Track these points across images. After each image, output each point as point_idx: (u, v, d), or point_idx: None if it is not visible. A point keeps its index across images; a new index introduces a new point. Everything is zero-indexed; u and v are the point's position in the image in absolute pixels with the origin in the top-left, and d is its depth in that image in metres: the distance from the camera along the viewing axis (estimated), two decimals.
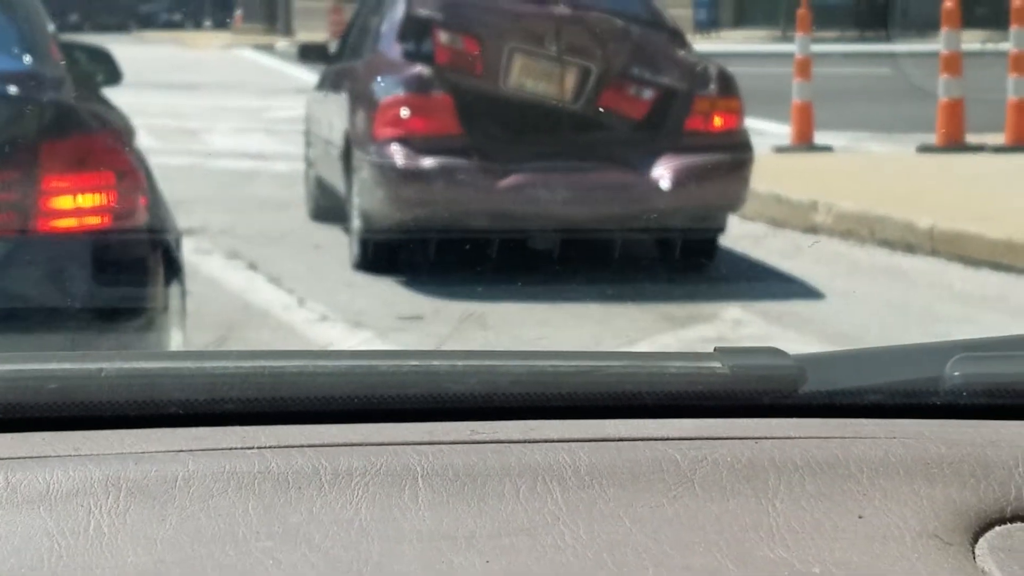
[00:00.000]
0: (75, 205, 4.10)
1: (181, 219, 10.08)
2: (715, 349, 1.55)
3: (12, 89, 4.28)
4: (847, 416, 1.47)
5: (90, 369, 1.44)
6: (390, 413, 1.44)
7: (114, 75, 5.58)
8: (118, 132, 4.26)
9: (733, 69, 8.89)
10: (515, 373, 1.49)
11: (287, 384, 1.46)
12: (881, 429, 1.41)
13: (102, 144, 4.17)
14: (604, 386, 1.48)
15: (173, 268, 4.40)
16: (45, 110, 4.11)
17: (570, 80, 8.39)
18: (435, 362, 1.53)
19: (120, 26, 55.52)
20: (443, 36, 8.47)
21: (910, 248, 9.40)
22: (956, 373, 1.50)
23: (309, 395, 1.45)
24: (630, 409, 1.46)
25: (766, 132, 15.38)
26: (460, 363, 1.52)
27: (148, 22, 64.07)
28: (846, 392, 1.50)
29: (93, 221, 4.13)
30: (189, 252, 8.95)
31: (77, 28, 50.80)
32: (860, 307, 7.97)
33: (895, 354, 1.61)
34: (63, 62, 4.74)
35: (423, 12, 8.55)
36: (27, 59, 4.55)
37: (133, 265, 4.20)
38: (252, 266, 9.04)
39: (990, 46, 33.13)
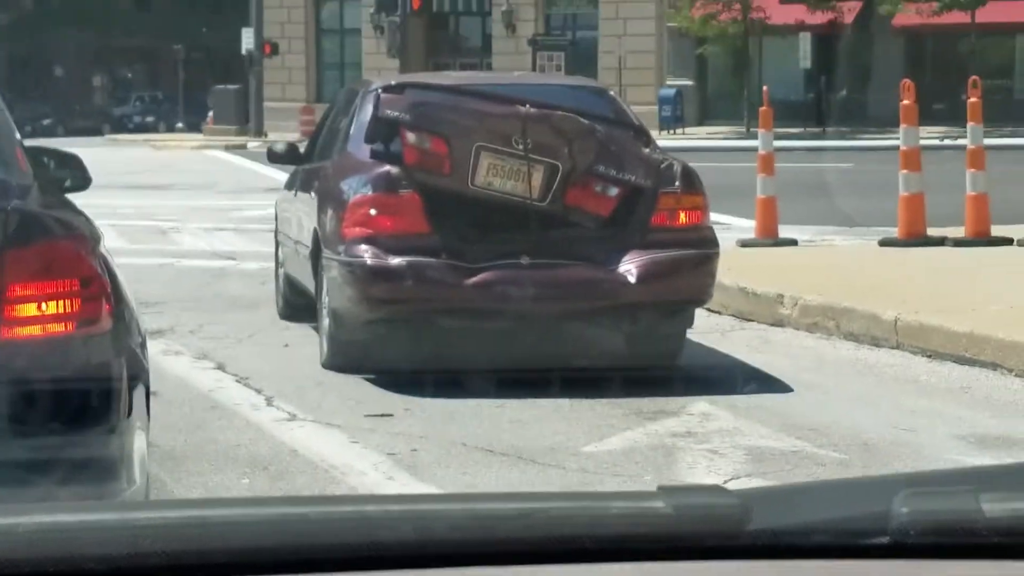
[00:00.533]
0: (39, 312, 4.12)
1: (151, 320, 10.13)
2: (658, 487, 1.52)
3: None
4: (792, 557, 1.44)
5: (6, 525, 1.39)
6: (322, 563, 1.40)
7: (83, 180, 5.61)
8: (83, 238, 4.26)
9: (697, 164, 9.01)
10: (452, 517, 1.46)
11: (214, 535, 1.40)
12: (827, 572, 1.39)
13: (67, 251, 4.18)
14: (544, 530, 1.44)
15: (138, 373, 4.40)
16: (9, 218, 4.12)
17: (537, 178, 8.48)
18: (369, 508, 1.49)
19: (93, 129, 55.75)
20: (411, 136, 8.56)
21: (875, 341, 9.49)
22: (903, 510, 1.47)
23: (238, 546, 1.40)
24: (571, 553, 1.43)
25: (731, 226, 15.54)
26: (395, 508, 1.49)
27: (121, 125, 64.34)
28: (791, 532, 1.47)
29: (57, 328, 4.14)
30: (159, 353, 8.99)
31: (51, 131, 50.97)
32: (828, 400, 8.04)
33: (840, 489, 1.60)
34: (29, 169, 4.77)
35: (391, 113, 8.64)
36: None
37: (97, 371, 4.19)
38: (221, 366, 9.07)
39: (948, 141, 33.55)
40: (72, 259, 4.17)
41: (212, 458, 6.83)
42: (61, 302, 4.13)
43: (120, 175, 26.72)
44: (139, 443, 4.38)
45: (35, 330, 4.11)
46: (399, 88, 9.00)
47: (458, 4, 52.26)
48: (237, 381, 8.62)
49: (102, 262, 4.30)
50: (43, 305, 4.11)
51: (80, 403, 4.15)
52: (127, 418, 4.24)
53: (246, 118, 50.25)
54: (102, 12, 68.64)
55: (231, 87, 52.06)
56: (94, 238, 4.33)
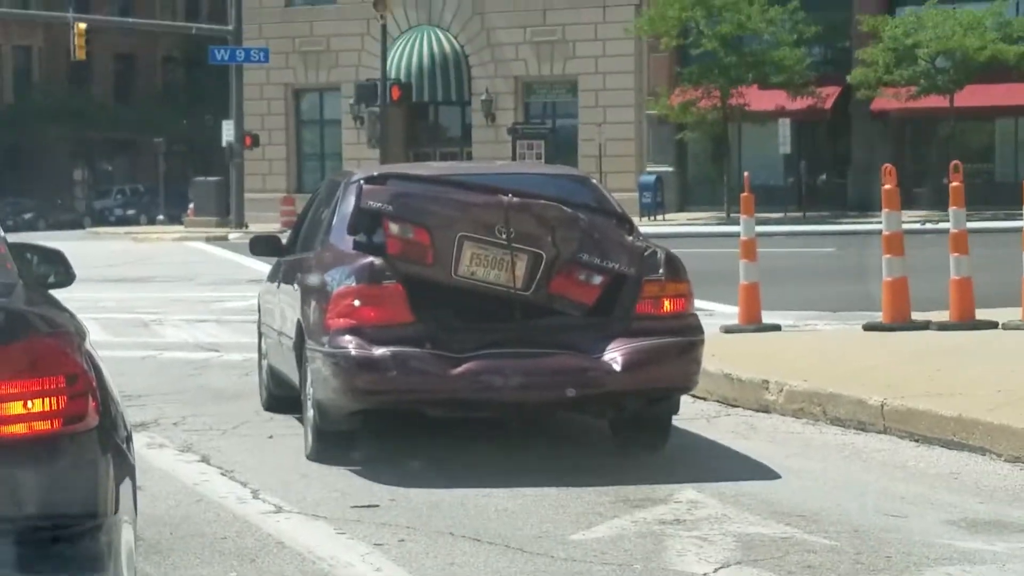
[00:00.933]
0: (25, 410, 4.10)
1: (135, 412, 10.07)
2: None
3: None
4: None
5: None
6: None
7: (67, 276, 5.61)
8: (68, 335, 4.25)
9: (679, 250, 9.02)
10: None
11: None
12: None
13: (52, 348, 4.18)
14: None
15: (124, 467, 4.38)
16: None
17: (520, 267, 8.48)
18: None
19: (75, 222, 55.87)
20: (393, 227, 8.56)
21: (862, 426, 9.47)
22: None
23: None
24: None
25: (714, 312, 15.55)
26: None
27: (102, 218, 64.42)
28: None
29: (43, 426, 4.12)
30: (143, 446, 8.93)
31: (32, 225, 51.01)
32: (816, 487, 8.00)
33: None
34: (13, 267, 4.76)
35: (373, 204, 8.65)
36: None
37: (83, 468, 4.18)
38: (205, 459, 9.01)
39: (929, 225, 33.72)
40: (57, 356, 4.17)
41: (199, 551, 6.77)
42: (47, 399, 4.12)
43: (102, 268, 26.72)
44: (127, 537, 4.36)
45: (20, 428, 4.10)
46: (381, 179, 9.02)
47: (437, 94, 52.58)
48: (222, 474, 8.56)
49: (88, 358, 4.29)
50: (29, 403, 4.10)
51: (67, 500, 4.12)
52: (114, 514, 4.22)
53: (227, 209, 50.37)
54: (83, 106, 68.93)
55: (212, 179, 52.24)
56: (79, 334, 4.32)
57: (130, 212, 65.94)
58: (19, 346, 4.12)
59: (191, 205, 52.58)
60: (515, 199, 8.54)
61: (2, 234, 4.94)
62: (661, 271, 8.54)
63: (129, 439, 4.52)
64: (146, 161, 69.88)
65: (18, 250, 5.18)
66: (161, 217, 56.37)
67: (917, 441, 9.00)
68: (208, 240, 41.79)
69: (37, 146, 68.07)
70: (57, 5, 64.22)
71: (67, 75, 69.78)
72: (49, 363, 4.15)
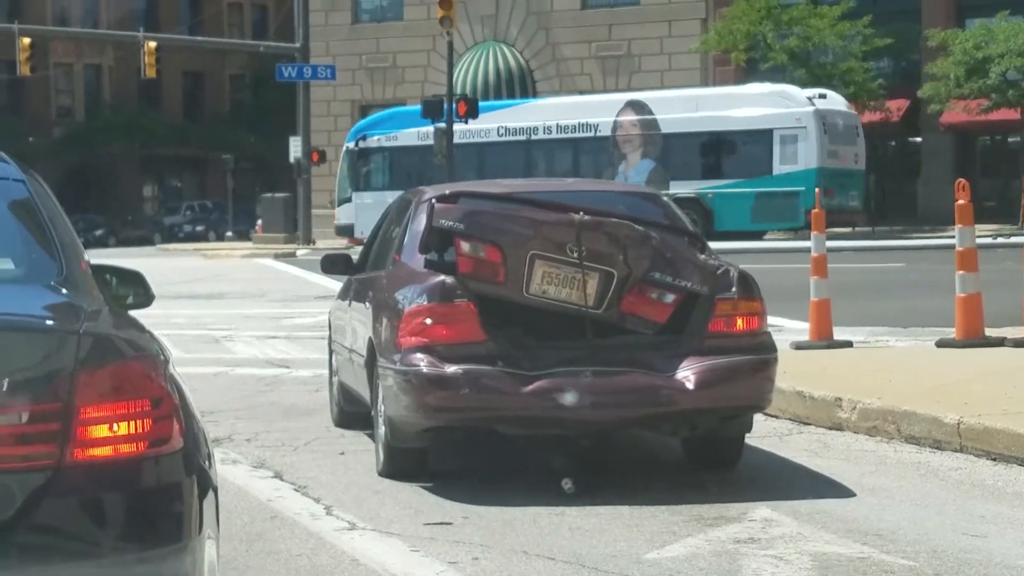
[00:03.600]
0: (111, 433, 4.17)
1: (208, 429, 10.13)
2: None
3: (49, 322, 4.36)
4: None
5: None
6: None
7: (146, 297, 5.66)
8: (153, 359, 4.32)
9: (747, 266, 8.97)
10: None
11: None
12: None
13: (137, 372, 4.24)
14: None
15: (206, 486, 4.44)
16: (81, 341, 4.19)
17: (592, 286, 8.47)
18: None
19: (145, 239, 56.41)
20: (465, 245, 8.57)
21: (937, 444, 9.38)
22: None
23: None
24: None
25: (784, 328, 15.47)
26: None
27: (172, 234, 64.94)
28: None
29: (128, 449, 4.18)
30: (217, 462, 8.98)
31: (103, 242, 51.55)
32: (892, 505, 7.93)
33: None
34: (98, 292, 4.84)
35: (445, 222, 8.66)
36: (63, 291, 4.65)
37: (169, 490, 4.24)
38: (278, 474, 9.06)
39: (1001, 239, 33.44)
40: (143, 380, 4.22)
41: (274, 569, 6.80)
42: (132, 423, 4.18)
43: (172, 284, 26.94)
44: (210, 555, 4.41)
45: (107, 451, 4.15)
46: (452, 197, 9.04)
47: None
48: (295, 490, 8.60)
49: (171, 381, 4.34)
50: (115, 426, 4.16)
51: (152, 522, 4.17)
52: (198, 534, 4.26)
53: (295, 226, 50.68)
54: (152, 123, 69.63)
55: (279, 195, 52.58)
56: (163, 358, 4.38)
57: (199, 228, 66.51)
58: (106, 370, 4.18)
59: (259, 221, 52.94)
60: (586, 217, 8.54)
61: (86, 257, 5.00)
62: (734, 289, 8.50)
63: (211, 457, 4.58)
64: (214, 178, 70.49)
65: (98, 271, 5.24)
66: (229, 233, 56.83)
67: (995, 459, 8.91)
68: (276, 256, 42.04)
69: (107, 163, 68.85)
70: (127, 24, 64.93)
71: (137, 93, 70.55)
72: (135, 387, 4.21)
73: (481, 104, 43.76)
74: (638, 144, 41.27)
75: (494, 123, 42.74)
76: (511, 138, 42.48)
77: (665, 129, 40.40)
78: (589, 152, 41.63)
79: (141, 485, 4.19)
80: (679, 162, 39.89)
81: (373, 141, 44.51)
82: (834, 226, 35.73)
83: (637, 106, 41.58)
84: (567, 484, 8.25)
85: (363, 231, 42.38)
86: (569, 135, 41.92)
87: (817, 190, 15.89)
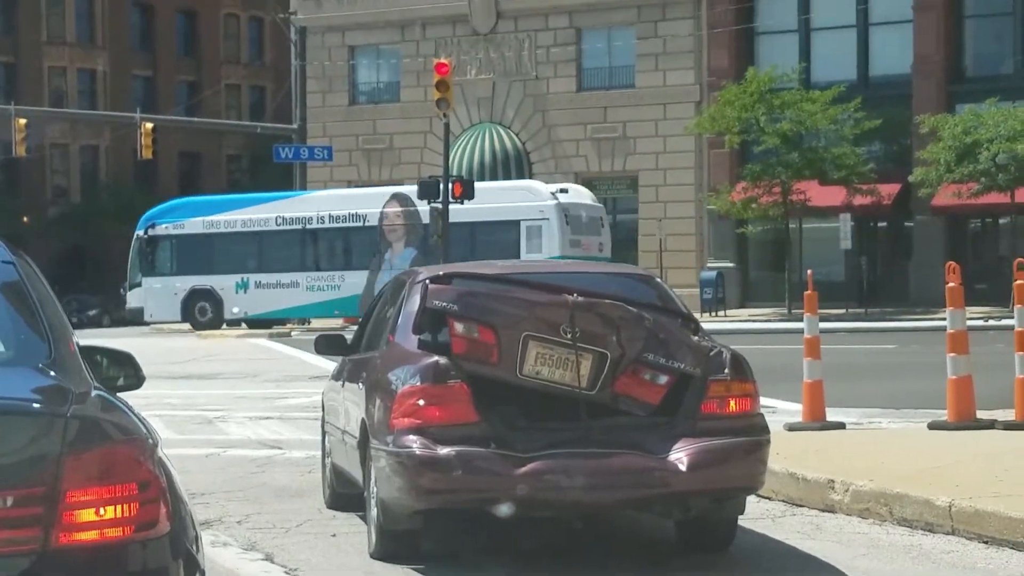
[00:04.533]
0: (97, 517, 4.14)
1: (199, 510, 10.10)
2: None
3: (36, 405, 4.35)
4: None
5: None
6: None
7: (137, 379, 5.65)
8: (141, 442, 4.30)
9: (740, 347, 9.00)
10: None
11: None
12: None
13: (125, 456, 4.23)
14: None
15: (194, 571, 4.41)
16: (69, 424, 4.17)
17: (585, 367, 8.49)
18: None
19: (137, 319, 56.22)
20: (458, 326, 8.60)
21: (929, 527, 9.38)
22: None
23: None
24: None
25: (777, 409, 15.47)
26: None
27: None
28: None
29: (115, 533, 4.16)
30: (207, 544, 8.93)
31: (96, 322, 51.57)
32: None
33: None
34: (86, 373, 4.82)
35: (438, 303, 8.69)
36: (52, 373, 4.64)
37: (154, 574, 4.21)
38: (269, 557, 9.03)
39: (992, 321, 33.47)
40: (130, 464, 4.21)
41: None
42: (119, 506, 4.15)
43: (165, 365, 26.90)
44: None
45: (93, 535, 4.13)
46: (446, 278, 9.07)
47: None
48: (286, 572, 8.57)
49: (160, 465, 4.33)
50: (101, 510, 4.13)
51: None
52: None
53: None
54: (148, 203, 69.69)
55: None
56: (152, 441, 4.36)
57: None
58: (93, 454, 4.16)
59: None
60: (580, 298, 8.57)
61: (76, 338, 5.00)
62: (727, 371, 8.53)
63: (198, 540, 4.55)
64: None
65: (88, 352, 5.24)
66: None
67: (986, 543, 8.90)
68: (271, 336, 42.01)
69: (102, 243, 68.84)
70: (124, 105, 65.25)
71: (133, 173, 70.78)
72: (122, 470, 4.19)
73: (260, 195, 47.96)
74: (402, 233, 44.66)
75: (272, 213, 45.79)
76: (288, 227, 45.44)
77: (426, 219, 43.74)
78: (359, 241, 44.77)
79: (127, 569, 4.16)
80: (439, 250, 42.62)
81: (161, 229, 47.16)
82: None
83: (401, 198, 45.05)
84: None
85: (152, 314, 46.86)
86: (341, 224, 45.09)
87: (809, 271, 15.93)
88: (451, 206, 41.28)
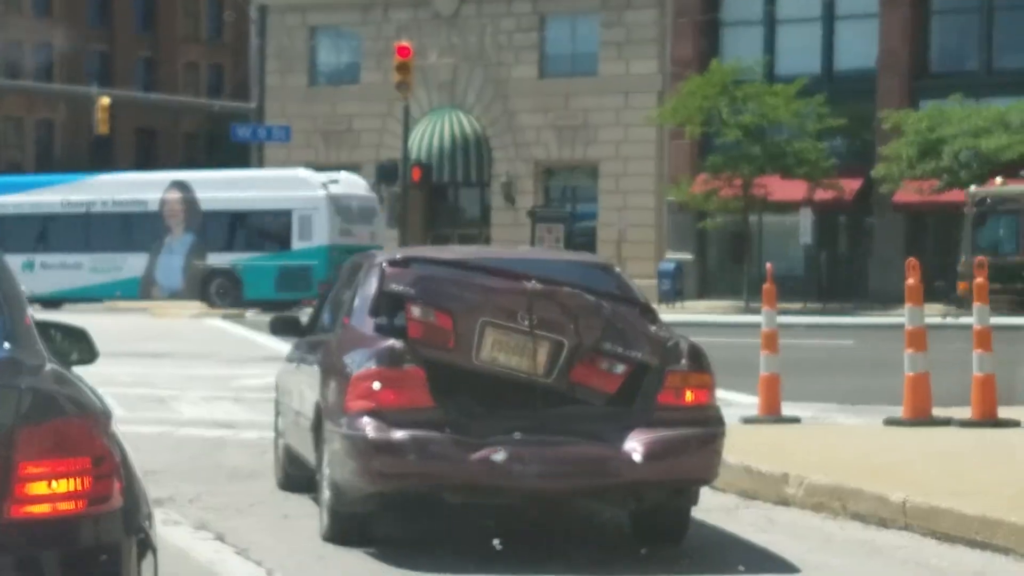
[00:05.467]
0: (50, 491, 4.11)
1: (150, 489, 9.99)
2: None
3: None
4: None
5: None
6: None
7: (90, 354, 5.62)
8: (95, 416, 4.27)
9: (697, 339, 8.96)
10: None
11: None
12: None
13: (79, 429, 4.19)
14: None
15: (146, 547, 4.38)
16: (22, 396, 4.13)
17: (542, 354, 8.44)
18: None
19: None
20: (416, 310, 8.54)
21: (883, 522, 9.37)
22: None
23: None
24: None
25: (733, 402, 15.46)
26: None
27: None
28: None
29: (67, 507, 4.13)
30: (158, 523, 8.86)
31: (53, 301, 51.67)
32: None
33: None
34: (40, 346, 4.78)
35: (396, 287, 8.63)
36: (6, 345, 4.60)
37: (107, 549, 4.18)
38: (220, 537, 8.95)
39: (950, 319, 33.66)
40: (84, 437, 4.17)
41: None
42: (72, 480, 4.12)
43: (119, 343, 26.71)
44: None
45: (45, 508, 4.09)
46: (404, 262, 9.01)
47: (457, 175, 52.84)
48: (237, 553, 8.50)
49: (113, 440, 4.29)
50: (54, 483, 4.10)
51: None
52: None
53: None
54: None
55: None
56: (106, 416, 4.32)
57: None
58: (46, 427, 4.12)
59: None
60: (538, 286, 8.52)
61: (30, 312, 4.94)
62: (684, 361, 8.49)
63: (151, 518, 4.53)
64: None
65: (42, 327, 5.19)
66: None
67: (939, 539, 8.90)
68: (225, 317, 41.84)
69: None
70: (80, 79, 64.83)
71: (89, 149, 70.31)
72: (76, 444, 4.15)
73: (50, 177, 49.46)
74: (181, 219, 45.91)
75: (59, 195, 46.95)
76: (73, 210, 46.58)
77: (204, 207, 45.39)
78: (140, 225, 46.07)
79: (79, 544, 4.13)
80: (216, 236, 44.93)
81: None
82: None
83: (181, 185, 46.51)
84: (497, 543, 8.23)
85: None
86: (123, 209, 46.39)
87: (768, 265, 15.90)
88: (224, 194, 43.87)
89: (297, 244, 43.88)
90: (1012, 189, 38.18)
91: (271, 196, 44.37)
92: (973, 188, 38.56)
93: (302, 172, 45.94)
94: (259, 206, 44.43)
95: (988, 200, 38.27)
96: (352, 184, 45.52)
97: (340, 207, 44.11)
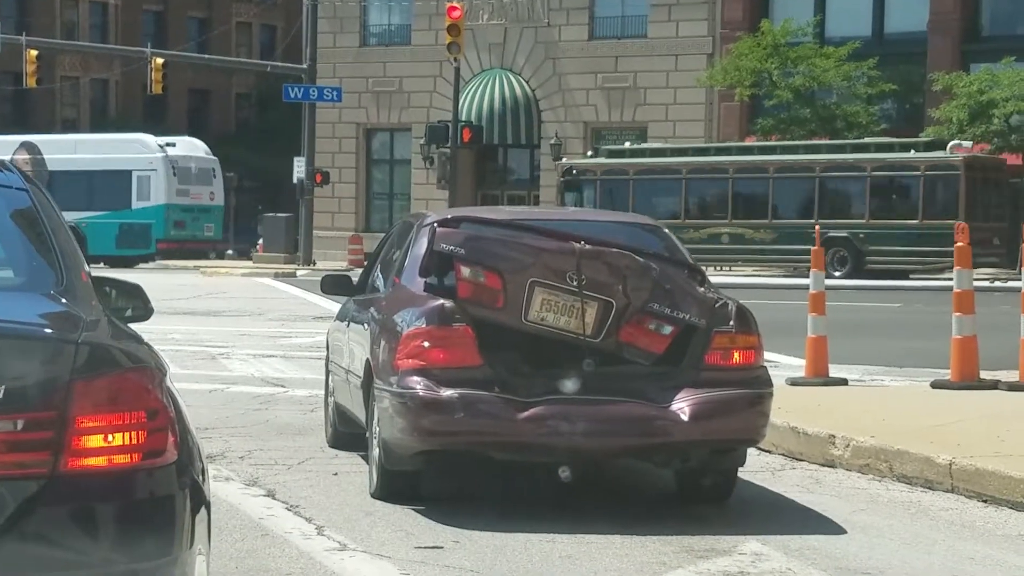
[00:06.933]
0: (106, 444, 4.16)
1: (202, 445, 10.14)
2: None
3: (48, 330, 4.36)
4: None
5: None
6: None
7: (145, 311, 5.67)
8: (150, 371, 4.31)
9: (744, 300, 8.99)
10: None
11: None
12: None
13: (134, 383, 4.24)
14: None
15: (199, 501, 4.44)
16: (79, 350, 4.18)
17: (590, 314, 8.50)
18: None
19: (144, 256, 56.42)
20: (465, 270, 8.60)
21: (929, 484, 9.40)
22: None
23: None
24: None
25: (779, 364, 15.49)
26: None
27: (172, 251, 64.82)
28: None
29: (122, 460, 4.17)
30: (209, 478, 8.98)
31: (220, 255, 52.62)
32: (882, 543, 7.95)
33: None
34: (96, 302, 4.84)
35: (446, 247, 8.69)
36: (63, 300, 4.66)
37: (161, 503, 4.23)
38: (271, 493, 9.07)
39: (999, 283, 33.44)
40: (139, 391, 4.22)
41: None
42: (127, 434, 4.17)
43: (170, 300, 26.94)
44: (200, 570, 4.40)
45: (101, 461, 4.15)
46: (454, 222, 9.07)
47: (507, 136, 52.79)
48: (287, 509, 8.61)
49: (168, 394, 4.34)
50: (109, 436, 4.15)
51: (144, 534, 4.16)
52: (189, 548, 4.26)
53: (295, 246, 50.67)
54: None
55: (281, 215, 52.56)
56: (160, 370, 4.38)
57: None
58: (103, 380, 4.17)
59: (260, 241, 52.93)
60: (587, 246, 8.57)
61: (87, 268, 5.01)
62: (732, 323, 8.53)
63: (205, 472, 4.57)
64: None
65: (98, 283, 5.25)
66: (230, 252, 56.76)
67: (985, 501, 8.92)
68: (276, 276, 42.04)
69: None
70: (135, 40, 65.05)
71: (142, 109, 70.59)
72: (131, 398, 4.20)
73: None
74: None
75: None
76: None
77: (51, 167, 48.84)
78: None
79: (134, 497, 4.18)
80: (62, 196, 49.97)
81: None
82: (188, 255, 49.07)
83: (29, 146, 50.25)
84: (564, 472, 8.26)
85: None
86: None
87: (817, 226, 15.90)
88: (70, 155, 47.45)
89: (136, 204, 48.25)
90: None
91: (112, 158, 48.20)
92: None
93: (143, 136, 50.06)
94: (101, 167, 48.39)
95: None
96: (191, 147, 49.49)
97: (178, 168, 48.42)
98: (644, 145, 45.60)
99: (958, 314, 13.17)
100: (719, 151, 42.95)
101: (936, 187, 39.53)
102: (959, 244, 13.14)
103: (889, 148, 40.52)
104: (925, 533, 8.22)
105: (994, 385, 13.14)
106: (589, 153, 45.45)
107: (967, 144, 39.66)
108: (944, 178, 39.25)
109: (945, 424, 10.80)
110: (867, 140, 41.92)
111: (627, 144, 46.04)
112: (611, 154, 44.42)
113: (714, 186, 42.26)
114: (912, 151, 39.79)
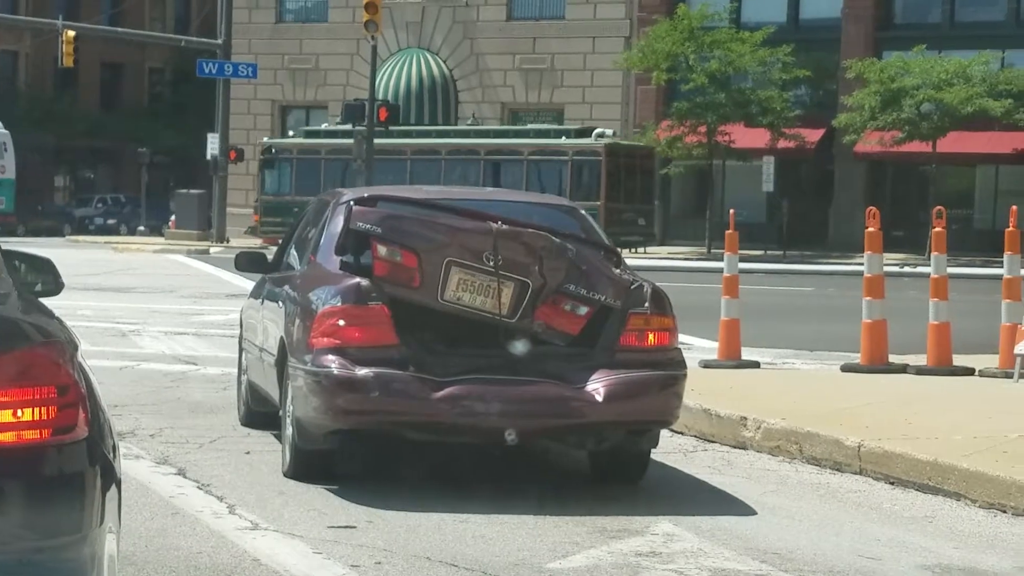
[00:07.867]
0: (15, 419, 4.09)
1: (112, 422, 10.04)
2: None
3: None
4: None
5: None
6: None
7: (55, 285, 5.60)
8: (61, 345, 4.24)
9: (659, 283, 9.04)
10: None
11: None
12: None
13: (44, 358, 4.16)
14: None
15: (110, 478, 4.37)
16: None
17: (507, 295, 8.51)
18: None
19: (54, 229, 55.85)
20: (381, 249, 8.57)
21: (838, 466, 9.51)
22: None
23: None
24: None
25: (693, 346, 15.59)
26: None
27: (82, 226, 64.12)
28: None
29: (32, 435, 4.10)
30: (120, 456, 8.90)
31: (11, 230, 51.50)
32: (791, 524, 8.03)
33: None
34: (6, 275, 4.76)
35: (362, 225, 8.66)
36: None
37: (71, 479, 4.16)
38: (181, 472, 9.00)
39: (908, 268, 33.87)
40: (50, 366, 4.15)
41: (174, 566, 6.77)
42: (37, 409, 4.10)
43: (81, 276, 26.65)
44: (110, 549, 4.35)
45: (9, 436, 4.08)
46: (371, 200, 9.04)
47: (424, 116, 52.68)
48: (198, 487, 8.56)
49: (79, 370, 4.27)
50: (19, 412, 4.08)
51: (53, 510, 4.10)
52: (99, 526, 4.21)
53: (209, 223, 50.33)
54: (66, 113, 68.74)
55: (194, 192, 52.18)
56: (72, 345, 4.31)
57: (111, 222, 65.69)
58: (11, 355, 4.10)
59: (173, 217, 52.52)
60: (504, 226, 8.57)
61: None
62: (647, 304, 8.57)
63: (116, 449, 4.51)
64: (129, 171, 69.72)
65: (7, 257, 5.17)
66: (142, 228, 56.28)
67: (892, 483, 9.04)
68: (189, 253, 41.73)
69: (19, 151, 67.87)
70: (46, 11, 64.16)
71: (53, 82, 69.68)
72: (41, 373, 4.13)
73: None
74: None
75: None
76: None
77: None
78: None
79: (43, 473, 4.11)
80: None
81: None
82: None
83: None
84: (510, 435, 8.25)
85: None
86: None
87: (731, 210, 15.99)
88: None
89: None
90: None
91: None
92: None
93: None
94: None
95: None
96: None
97: None
98: (338, 127, 47.37)
99: (868, 298, 13.32)
100: (401, 134, 45.32)
101: (582, 171, 42.69)
102: (870, 229, 13.29)
103: (546, 135, 43.68)
104: (833, 515, 8.32)
105: (903, 369, 13.31)
106: (291, 133, 48.34)
107: (609, 132, 43.25)
108: (588, 163, 42.49)
109: (854, 407, 10.93)
110: (528, 127, 45.43)
111: (324, 126, 48.64)
112: (308, 134, 47.28)
113: (394, 167, 43.63)
114: (563, 138, 42.89)
